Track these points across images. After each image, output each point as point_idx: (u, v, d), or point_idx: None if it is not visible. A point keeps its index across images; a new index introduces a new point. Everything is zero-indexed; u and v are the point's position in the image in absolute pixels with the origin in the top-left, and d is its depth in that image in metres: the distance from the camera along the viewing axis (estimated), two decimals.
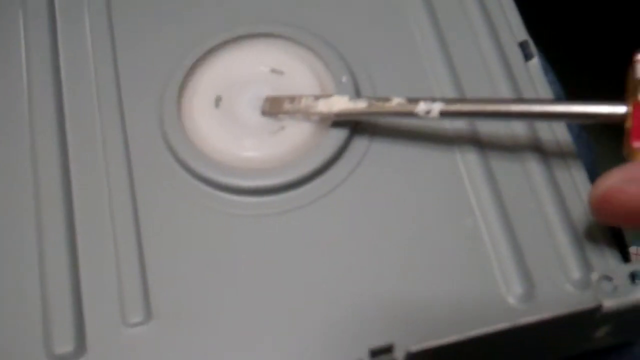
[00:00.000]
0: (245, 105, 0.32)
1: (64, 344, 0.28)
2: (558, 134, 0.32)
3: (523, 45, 0.33)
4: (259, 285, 0.29)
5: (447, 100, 0.30)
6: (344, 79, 0.32)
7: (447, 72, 0.33)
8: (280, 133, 0.32)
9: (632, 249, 0.74)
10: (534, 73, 0.33)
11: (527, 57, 0.33)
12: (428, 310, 0.28)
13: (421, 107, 0.30)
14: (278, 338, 0.28)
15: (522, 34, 0.34)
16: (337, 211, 0.30)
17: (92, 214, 0.31)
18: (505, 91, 0.32)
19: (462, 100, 0.32)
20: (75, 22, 0.35)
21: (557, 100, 0.29)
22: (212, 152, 0.31)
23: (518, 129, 0.32)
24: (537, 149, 0.31)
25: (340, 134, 0.31)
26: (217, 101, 0.32)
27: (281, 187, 0.31)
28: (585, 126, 0.37)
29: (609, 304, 0.26)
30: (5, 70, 0.34)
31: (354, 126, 0.32)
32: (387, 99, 0.30)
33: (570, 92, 0.38)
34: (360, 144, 0.32)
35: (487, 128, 0.32)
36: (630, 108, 0.27)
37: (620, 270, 0.27)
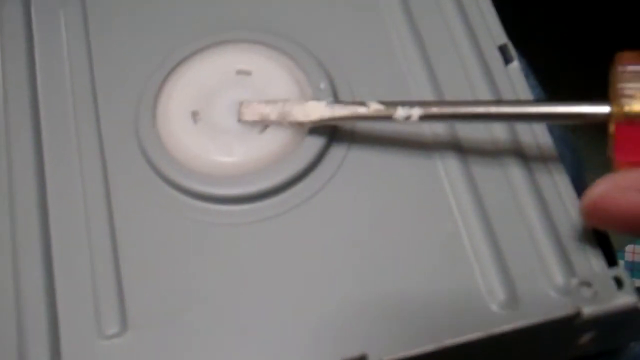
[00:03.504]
0: (223, 114, 0.32)
1: (39, 357, 0.28)
2: (539, 138, 0.31)
3: (502, 49, 0.33)
4: (233, 294, 0.29)
5: (425, 104, 0.29)
6: (322, 85, 0.32)
7: (426, 76, 0.32)
8: (260, 138, 0.31)
9: (629, 248, 0.73)
10: (514, 76, 0.32)
11: (507, 60, 0.33)
12: (407, 318, 0.28)
13: (399, 112, 0.29)
14: (253, 347, 0.28)
15: (502, 38, 0.33)
16: (314, 219, 0.30)
17: (68, 223, 0.30)
18: (485, 95, 0.32)
19: (441, 103, 0.31)
20: (52, 31, 0.35)
21: (538, 101, 0.29)
22: (191, 162, 0.31)
23: (498, 132, 0.31)
24: (519, 153, 0.31)
25: (317, 141, 0.31)
26: (195, 115, 0.32)
27: (257, 195, 0.30)
28: (568, 127, 0.37)
29: (588, 310, 0.26)
30: None
31: (332, 131, 0.31)
32: (363, 104, 0.30)
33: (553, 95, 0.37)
34: (339, 150, 0.31)
35: (467, 132, 0.31)
36: (614, 108, 0.26)
37: (601, 275, 0.27)
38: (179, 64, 0.33)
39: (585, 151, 0.38)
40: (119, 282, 0.29)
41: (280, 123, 0.31)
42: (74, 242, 0.30)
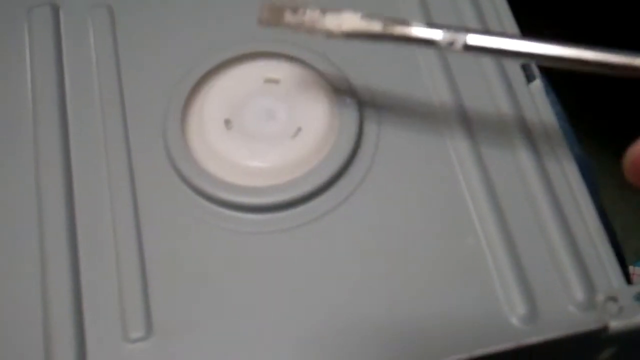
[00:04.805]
0: (255, 120, 0.32)
1: (65, 357, 0.28)
2: (559, 151, 0.32)
3: (525, 67, 0.34)
4: (260, 303, 0.29)
5: (473, 31, 0.27)
6: (348, 100, 0.32)
7: (449, 93, 0.33)
8: (292, 143, 0.31)
9: (629, 269, 0.74)
10: (536, 94, 0.33)
11: (530, 78, 0.33)
12: (430, 330, 0.28)
13: (443, 36, 0.27)
14: (278, 356, 0.28)
15: None
16: (336, 231, 0.30)
17: (95, 230, 0.31)
18: (507, 111, 0.32)
19: (491, 32, 0.29)
20: (80, 38, 0.35)
21: (593, 46, 0.26)
22: (221, 170, 0.31)
23: (519, 146, 0.32)
24: (539, 167, 0.31)
25: (343, 151, 0.31)
26: (227, 123, 0.32)
27: (284, 204, 0.30)
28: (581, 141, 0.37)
29: (615, 325, 0.26)
30: (10, 87, 0.34)
31: (358, 141, 0.32)
32: (404, 22, 0.27)
33: (571, 112, 0.38)
34: (363, 161, 0.31)
35: (489, 145, 0.32)
36: None
37: (625, 291, 0.27)
38: (206, 74, 0.33)
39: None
40: (145, 288, 0.29)
41: (309, 30, 0.29)
42: (102, 248, 0.30)
